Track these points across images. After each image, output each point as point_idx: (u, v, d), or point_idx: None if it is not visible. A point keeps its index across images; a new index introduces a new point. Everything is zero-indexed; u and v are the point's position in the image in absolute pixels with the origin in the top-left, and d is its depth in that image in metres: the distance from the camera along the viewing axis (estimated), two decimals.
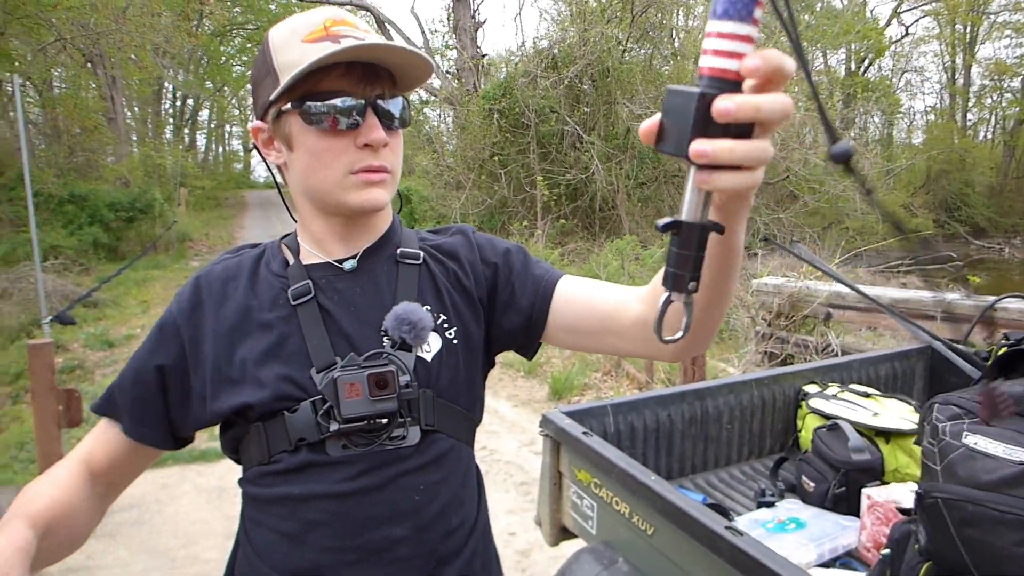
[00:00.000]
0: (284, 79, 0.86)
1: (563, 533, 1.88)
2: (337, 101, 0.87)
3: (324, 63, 0.84)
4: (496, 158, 13.13)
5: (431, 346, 0.94)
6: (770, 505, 1.86)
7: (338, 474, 0.88)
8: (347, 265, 0.97)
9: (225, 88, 32.55)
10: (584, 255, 11.38)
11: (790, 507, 1.85)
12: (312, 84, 0.87)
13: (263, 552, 0.92)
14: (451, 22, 16.11)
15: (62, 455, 3.66)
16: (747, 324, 6.75)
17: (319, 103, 0.87)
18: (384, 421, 0.87)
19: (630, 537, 1.57)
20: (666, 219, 0.58)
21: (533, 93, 12.72)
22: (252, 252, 1.02)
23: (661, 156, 13.20)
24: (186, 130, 30.47)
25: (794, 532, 1.68)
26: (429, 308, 0.95)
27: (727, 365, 6.42)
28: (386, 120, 0.91)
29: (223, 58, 29.56)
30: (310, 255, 0.98)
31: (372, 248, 0.99)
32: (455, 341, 0.96)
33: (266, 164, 0.99)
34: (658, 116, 0.56)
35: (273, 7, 26.46)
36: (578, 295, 0.97)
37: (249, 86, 0.98)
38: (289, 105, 0.88)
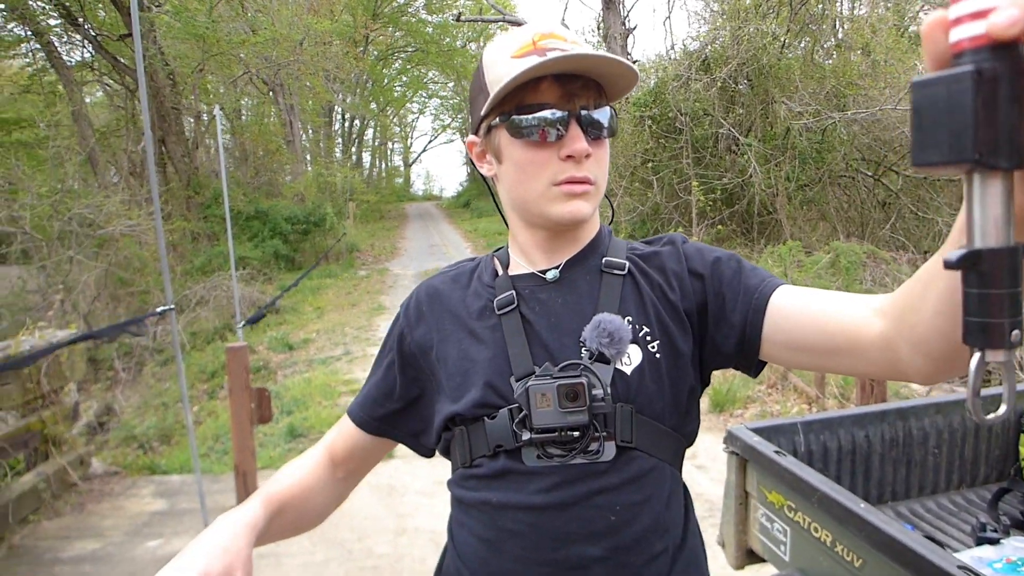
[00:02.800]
0: (492, 93, 0.88)
1: (749, 556, 1.78)
2: (541, 114, 0.88)
3: (526, 77, 0.85)
4: (648, 164, 12.92)
5: (631, 359, 0.90)
6: (994, 542, 1.65)
7: (533, 485, 0.88)
8: (550, 275, 0.96)
9: (388, 108, 34.58)
10: None
11: (1019, 545, 1.64)
12: (519, 98, 0.89)
13: (464, 554, 0.94)
14: (601, 30, 16.11)
15: (254, 449, 4.00)
16: None
17: (524, 116, 0.89)
18: (576, 434, 0.86)
19: (832, 567, 1.45)
20: (958, 251, 0.44)
21: (685, 96, 12.40)
22: (468, 265, 1.06)
23: (825, 156, 12.47)
24: (353, 148, 32.68)
25: None
26: (631, 319, 0.92)
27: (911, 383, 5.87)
28: (593, 131, 0.90)
29: (385, 80, 31.44)
30: (517, 266, 1.00)
31: (576, 258, 0.98)
32: (658, 355, 0.91)
33: (480, 176, 1.02)
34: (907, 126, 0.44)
35: (430, 29, 27.79)
36: (801, 309, 0.86)
37: (466, 103, 1.06)
38: (497, 119, 0.91)
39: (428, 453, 1.06)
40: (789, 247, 10.07)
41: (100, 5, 13.27)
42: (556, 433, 0.86)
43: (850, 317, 0.80)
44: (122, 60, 13.15)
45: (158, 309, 3.67)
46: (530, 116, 0.88)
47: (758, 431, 1.72)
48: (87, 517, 4.21)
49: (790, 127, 11.98)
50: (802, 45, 13.89)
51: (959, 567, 1.11)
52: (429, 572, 3.28)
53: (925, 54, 0.46)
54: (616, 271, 0.96)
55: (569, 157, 0.89)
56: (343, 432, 1.07)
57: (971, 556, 1.58)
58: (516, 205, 0.97)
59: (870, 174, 12.90)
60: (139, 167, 12.99)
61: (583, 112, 0.90)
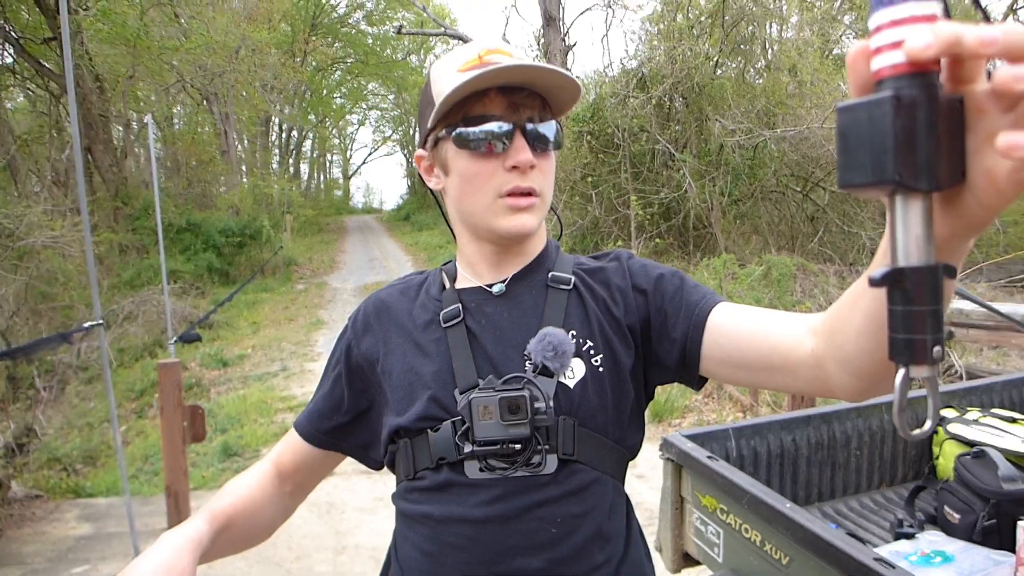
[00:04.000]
0: (438, 104, 0.89)
1: (685, 560, 1.83)
2: (487, 126, 0.89)
3: (471, 88, 0.86)
4: (588, 179, 13.12)
5: (575, 372, 0.91)
6: (910, 537, 1.75)
7: (475, 498, 0.88)
8: (495, 289, 0.98)
9: (326, 119, 34.14)
10: None
11: (933, 539, 1.73)
12: (465, 110, 0.90)
13: (407, 568, 0.93)
14: (541, 46, 16.33)
15: (186, 469, 3.88)
16: None
17: (470, 128, 0.90)
18: (518, 447, 0.86)
19: (762, 566, 1.50)
20: (881, 269, 0.46)
21: (623, 113, 12.66)
22: (417, 278, 1.07)
23: (757, 172, 12.92)
24: (291, 160, 32.12)
25: (941, 566, 1.57)
26: (575, 334, 0.93)
27: None
28: (539, 143, 0.92)
29: (324, 91, 31.06)
30: (464, 279, 1.01)
31: (522, 272, 0.99)
32: (601, 369, 0.92)
33: (429, 190, 1.03)
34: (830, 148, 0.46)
35: (370, 40, 27.62)
36: (738, 326, 0.87)
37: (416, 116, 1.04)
38: (444, 131, 0.93)
39: (377, 466, 1.05)
40: (724, 260, 10.37)
41: (23, 7, 12.71)
42: (498, 446, 0.86)
43: (784, 336, 0.82)
44: (46, 64, 12.63)
45: (85, 324, 3.53)
46: (476, 128, 0.89)
47: (692, 438, 1.78)
48: (7, 544, 4.00)
49: (723, 144, 12.36)
50: (734, 65, 14.39)
51: (875, 559, 1.18)
52: None
53: (850, 82, 0.49)
54: (562, 286, 0.97)
55: (514, 168, 0.90)
56: (290, 446, 1.06)
57: (889, 550, 1.67)
58: (463, 218, 0.98)
59: (799, 189, 13.42)
60: (63, 176, 12.47)
61: (528, 124, 0.91)
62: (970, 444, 1.92)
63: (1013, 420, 2.01)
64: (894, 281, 0.45)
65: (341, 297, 12.64)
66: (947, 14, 0.45)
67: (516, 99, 0.90)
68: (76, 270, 9.06)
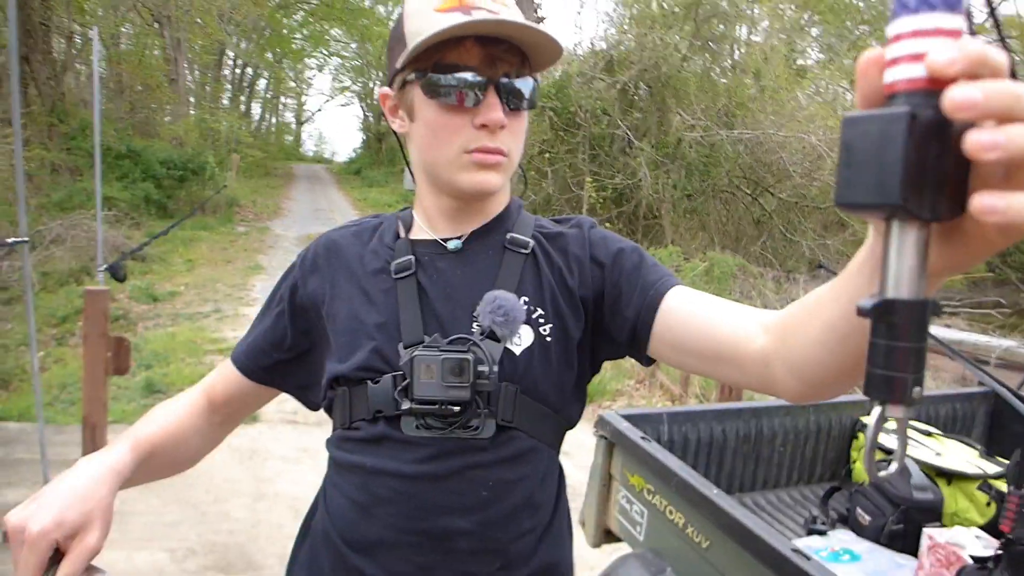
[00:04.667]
0: (410, 47, 0.84)
1: (607, 536, 1.87)
2: (460, 75, 0.85)
3: (448, 35, 0.82)
4: (545, 155, 13.11)
5: (522, 339, 0.90)
6: (822, 533, 1.83)
7: (409, 454, 0.87)
8: (451, 245, 0.95)
9: (284, 60, 32.97)
10: None
11: (843, 538, 1.82)
12: (438, 56, 0.84)
13: (334, 515, 0.92)
14: None
15: (106, 401, 3.75)
16: None
17: (441, 75, 0.85)
18: (457, 409, 0.85)
19: (681, 547, 1.55)
20: (870, 299, 0.43)
21: (588, 94, 12.67)
22: (372, 222, 1.03)
23: (711, 170, 13.15)
24: (243, 98, 30.94)
25: (848, 563, 1.65)
26: (527, 300, 0.91)
27: None
28: (513, 100, 0.88)
29: (284, 30, 29.94)
30: (420, 230, 0.98)
31: (480, 231, 0.96)
32: (549, 339, 0.91)
33: (392, 131, 0.98)
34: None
35: None
36: (690, 312, 0.85)
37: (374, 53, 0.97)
38: (413, 75, 0.87)
39: (314, 407, 1.03)
40: (670, 252, 10.56)
41: None
42: (437, 405, 0.85)
43: (735, 328, 0.80)
44: None
45: (8, 240, 3.35)
46: (448, 76, 0.85)
47: (627, 418, 1.81)
48: None
49: (682, 138, 12.51)
50: (701, 61, 14.54)
51: (792, 550, 1.23)
52: (286, 538, 3.23)
53: (857, 91, 0.46)
54: (520, 249, 0.95)
55: (483, 126, 0.86)
56: (224, 377, 1.04)
57: (801, 544, 1.74)
58: (425, 168, 0.94)
59: (749, 192, 13.72)
60: None
61: (504, 80, 0.87)
62: (888, 452, 2.01)
63: (929, 434, 2.11)
64: (882, 313, 0.42)
65: (282, 244, 12.36)
66: (971, 31, 0.43)
67: (494, 52, 0.86)
68: (2, 185, 8.58)
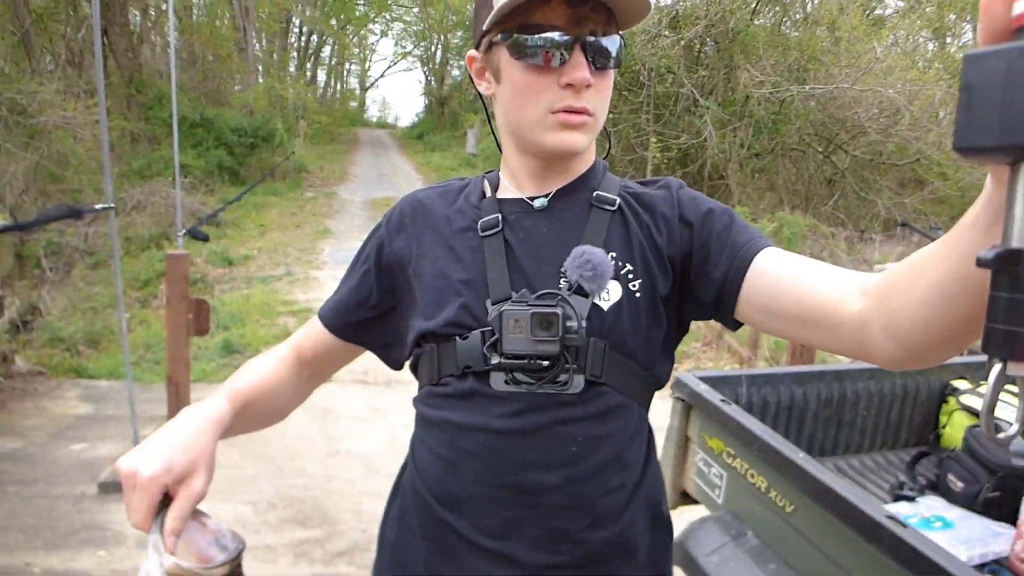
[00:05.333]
0: (496, 8, 0.84)
1: (683, 498, 1.85)
2: (547, 35, 0.84)
3: None
4: (608, 115, 12.85)
5: (610, 295, 0.89)
6: (910, 500, 1.76)
7: (497, 409, 0.87)
8: (537, 203, 0.94)
9: (348, 26, 33.17)
10: None
11: (933, 505, 1.75)
12: (524, 16, 0.84)
13: (423, 471, 0.93)
14: None
15: (188, 361, 3.92)
16: None
17: (527, 36, 0.84)
18: (546, 363, 0.85)
19: (763, 512, 1.52)
20: (993, 249, 0.40)
21: (652, 51, 12.29)
22: (458, 183, 1.04)
23: (781, 127, 12.65)
24: (308, 65, 31.37)
25: (941, 531, 1.58)
26: (614, 256, 0.90)
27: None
28: (600, 59, 0.87)
29: None
30: (506, 189, 0.98)
31: (566, 189, 0.95)
32: (638, 295, 0.90)
33: (478, 94, 0.97)
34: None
35: None
36: (781, 275, 0.82)
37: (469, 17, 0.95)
38: (499, 36, 0.87)
39: (396, 366, 1.05)
40: (737, 213, 10.25)
41: None
42: (525, 360, 0.85)
43: (830, 291, 0.77)
44: None
45: (97, 206, 3.49)
46: (534, 36, 0.84)
47: (705, 380, 1.77)
48: (8, 415, 4.08)
49: (750, 95, 12.05)
50: (771, 14, 13.90)
51: (887, 516, 1.18)
52: (359, 494, 3.32)
53: (980, 27, 0.43)
54: (606, 206, 0.94)
55: (569, 85, 0.85)
56: (312, 333, 1.06)
57: (893, 509, 1.69)
58: (511, 129, 0.94)
59: (820, 150, 13.18)
60: (78, 56, 12.19)
61: (590, 38, 0.85)
62: (975, 414, 1.92)
63: None
64: (1006, 264, 0.39)
65: (349, 209, 12.56)
66: None
67: (581, 10, 0.84)
68: (87, 154, 8.96)
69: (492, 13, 0.84)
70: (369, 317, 1.02)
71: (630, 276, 0.90)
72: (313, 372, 1.08)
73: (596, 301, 0.88)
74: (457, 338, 0.89)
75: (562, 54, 0.84)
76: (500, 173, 1.01)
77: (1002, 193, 0.43)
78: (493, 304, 0.88)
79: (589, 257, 0.86)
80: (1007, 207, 0.41)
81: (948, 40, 18.20)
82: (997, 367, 0.41)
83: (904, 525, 1.16)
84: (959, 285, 0.58)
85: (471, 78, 0.97)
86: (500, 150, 1.01)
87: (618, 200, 0.94)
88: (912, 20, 13.60)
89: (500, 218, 0.93)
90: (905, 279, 0.66)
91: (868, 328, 0.71)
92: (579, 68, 0.84)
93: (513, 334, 0.84)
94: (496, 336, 0.86)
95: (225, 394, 0.92)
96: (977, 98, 0.39)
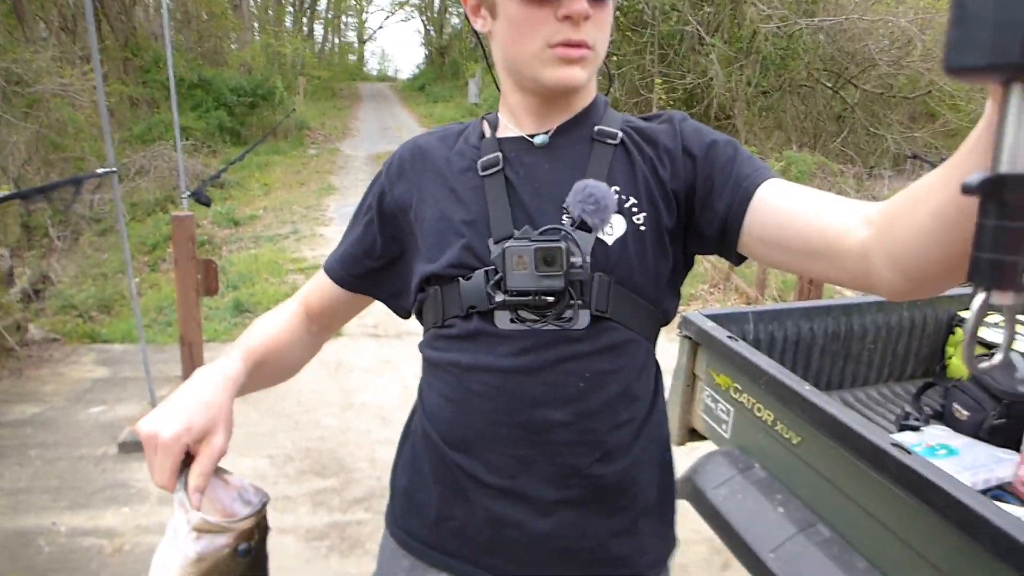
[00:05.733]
0: None
1: (691, 435, 1.87)
2: None
3: None
4: (613, 57, 12.60)
5: (614, 229, 0.87)
6: (915, 429, 1.78)
7: (504, 348, 0.87)
8: (538, 140, 0.93)
9: None
10: None
11: (938, 433, 1.76)
12: None
13: (431, 415, 0.94)
14: None
15: (199, 321, 3.95)
16: None
17: None
18: (551, 299, 0.84)
19: (769, 445, 1.53)
20: (979, 174, 0.39)
21: None
22: (457, 127, 1.02)
23: (789, 63, 12.35)
24: (304, 19, 30.75)
25: (945, 458, 1.60)
26: (617, 189, 0.89)
27: (844, 288, 6.13)
28: None
29: None
30: (506, 128, 0.96)
31: (566, 125, 0.94)
32: (643, 228, 0.88)
33: (474, 33, 0.96)
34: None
35: None
36: (784, 206, 0.81)
37: None
38: None
39: (405, 314, 1.05)
40: None
41: None
42: (530, 297, 0.84)
43: (834, 221, 0.76)
44: None
45: (99, 171, 3.48)
46: None
47: (712, 317, 1.77)
48: (26, 382, 4.14)
49: (757, 30, 11.75)
50: None
51: (892, 444, 1.19)
52: (374, 443, 3.36)
53: None
54: (608, 140, 0.92)
55: (567, 18, 0.82)
56: (319, 287, 1.06)
57: (898, 438, 1.70)
58: (508, 66, 0.92)
59: (829, 85, 12.90)
60: (70, 22, 11.99)
61: None
62: (989, 346, 1.91)
63: None
64: (993, 190, 0.38)
65: (353, 164, 12.48)
66: None
67: None
68: (87, 121, 8.89)
69: None
70: (375, 267, 1.02)
71: (634, 210, 0.89)
72: (322, 326, 1.08)
73: (600, 235, 0.87)
74: (460, 279, 0.89)
75: None
76: (499, 113, 0.99)
77: (997, 114, 0.41)
78: (496, 243, 0.87)
79: (592, 191, 0.85)
80: (997, 130, 0.39)
81: None
82: (981, 295, 0.40)
83: (909, 452, 1.17)
84: (959, 212, 0.56)
85: (466, 17, 0.95)
86: (499, 89, 0.99)
87: (620, 134, 0.93)
88: None
89: (500, 156, 0.92)
90: (907, 208, 0.65)
91: (871, 258, 0.70)
92: (576, 0, 0.82)
93: (517, 270, 0.84)
94: (499, 275, 0.85)
95: (239, 352, 0.92)
96: (968, 12, 0.37)
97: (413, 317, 1.04)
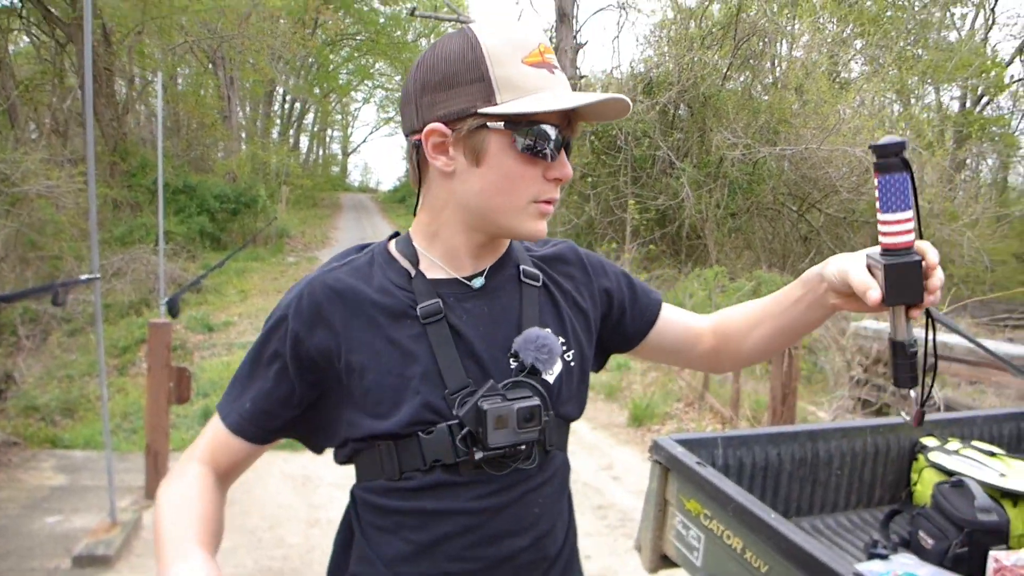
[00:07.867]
0: (504, 96, 0.85)
1: (663, 561, 1.86)
2: (549, 133, 0.88)
3: (569, 105, 0.87)
4: (587, 179, 13.14)
5: (554, 369, 0.95)
6: (883, 557, 1.79)
7: (471, 492, 0.91)
8: (476, 283, 0.96)
9: (331, 94, 33.83)
10: (670, 282, 11.23)
11: (905, 562, 1.78)
12: (531, 113, 0.86)
13: (390, 558, 0.92)
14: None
15: (167, 430, 3.88)
16: (840, 368, 6.50)
17: (535, 129, 0.87)
18: (523, 447, 0.90)
19: (740, 573, 1.54)
20: (900, 339, 0.85)
21: (628, 117, 12.63)
22: (362, 259, 0.99)
23: (755, 187, 13.00)
24: (292, 131, 31.79)
25: None
26: (550, 331, 0.96)
27: (817, 408, 6.19)
28: (567, 153, 0.94)
29: (331, 66, 30.79)
30: (434, 267, 0.96)
31: (496, 265, 0.99)
32: (572, 364, 0.99)
33: (413, 165, 0.95)
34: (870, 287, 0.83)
35: (382, 20, 27.45)
36: (674, 324, 1.12)
37: (409, 84, 0.91)
38: (501, 124, 0.86)
39: (317, 451, 1.02)
40: (715, 272, 10.41)
41: None
42: (506, 449, 0.89)
43: (696, 331, 1.13)
44: (54, 11, 12.47)
45: (83, 276, 3.51)
46: (541, 133, 0.87)
47: (682, 443, 1.81)
48: None
49: (724, 156, 12.39)
50: (741, 79, 14.43)
51: (855, 574, 1.21)
52: None
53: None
54: (532, 281, 1.00)
55: (557, 180, 0.91)
56: (224, 445, 0.97)
57: (863, 569, 1.71)
58: (478, 210, 0.92)
59: (795, 209, 13.49)
60: (62, 126, 12.33)
61: (570, 138, 0.93)
62: (949, 473, 1.97)
63: (992, 454, 2.06)
64: (896, 346, 0.85)
65: None
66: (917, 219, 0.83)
67: (572, 113, 0.91)
68: (68, 222, 8.98)
69: (500, 102, 0.85)
70: (294, 416, 0.96)
71: (564, 347, 0.98)
72: (229, 480, 1.01)
73: (543, 377, 0.95)
74: (420, 433, 0.89)
75: (553, 152, 0.89)
76: (418, 246, 0.97)
77: (822, 286, 0.94)
78: (451, 395, 0.89)
79: (544, 341, 0.92)
80: (892, 316, 0.85)
81: (912, 101, 18.93)
82: (913, 392, 0.91)
83: None
84: (787, 330, 1.03)
85: (416, 147, 0.92)
86: (423, 223, 0.98)
87: (540, 275, 1.01)
88: (876, 83, 14.15)
89: (440, 303, 0.92)
90: (742, 329, 1.08)
91: (717, 353, 1.12)
92: (566, 165, 0.92)
93: (499, 429, 0.87)
94: (468, 429, 0.88)
95: (197, 549, 0.83)
96: (895, 281, 0.82)
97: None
